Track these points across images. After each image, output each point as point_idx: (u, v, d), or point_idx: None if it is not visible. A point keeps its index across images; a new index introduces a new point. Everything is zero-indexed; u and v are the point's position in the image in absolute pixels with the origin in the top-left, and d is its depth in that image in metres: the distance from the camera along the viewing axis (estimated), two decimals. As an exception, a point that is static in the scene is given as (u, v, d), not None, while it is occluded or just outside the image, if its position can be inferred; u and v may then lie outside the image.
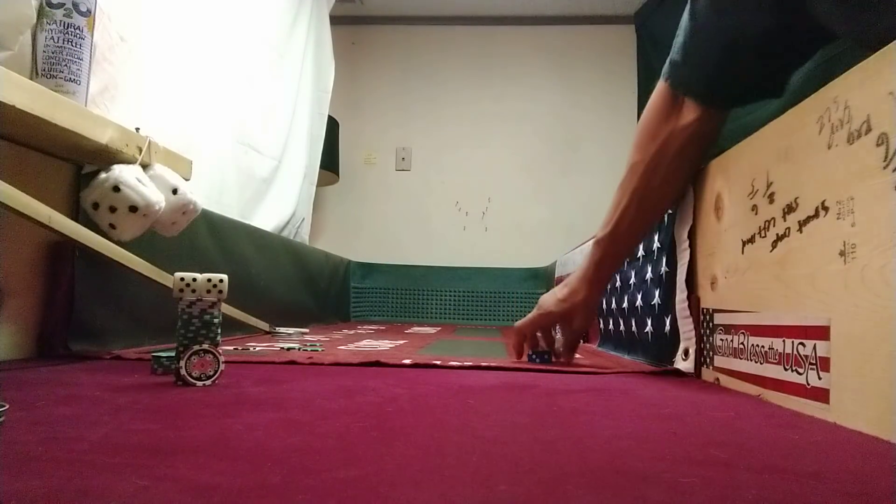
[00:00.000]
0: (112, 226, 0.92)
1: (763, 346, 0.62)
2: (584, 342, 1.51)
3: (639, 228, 0.85)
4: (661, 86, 0.78)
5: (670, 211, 0.90)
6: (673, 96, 0.77)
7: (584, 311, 0.89)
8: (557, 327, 0.97)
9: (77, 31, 0.86)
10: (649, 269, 1.00)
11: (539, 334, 0.96)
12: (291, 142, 2.13)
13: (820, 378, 0.51)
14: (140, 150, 0.96)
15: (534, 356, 0.94)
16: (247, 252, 1.59)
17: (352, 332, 1.77)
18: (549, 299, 0.92)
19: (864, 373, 0.46)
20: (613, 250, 0.86)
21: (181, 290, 0.62)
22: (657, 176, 0.79)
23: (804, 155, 0.55)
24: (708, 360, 0.78)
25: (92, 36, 0.89)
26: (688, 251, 0.84)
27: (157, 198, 0.94)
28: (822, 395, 0.51)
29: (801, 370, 0.54)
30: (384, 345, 1.26)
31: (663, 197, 0.83)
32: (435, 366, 0.88)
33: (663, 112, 0.78)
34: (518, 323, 0.95)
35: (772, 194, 0.61)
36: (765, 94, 0.73)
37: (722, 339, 0.73)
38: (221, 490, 0.29)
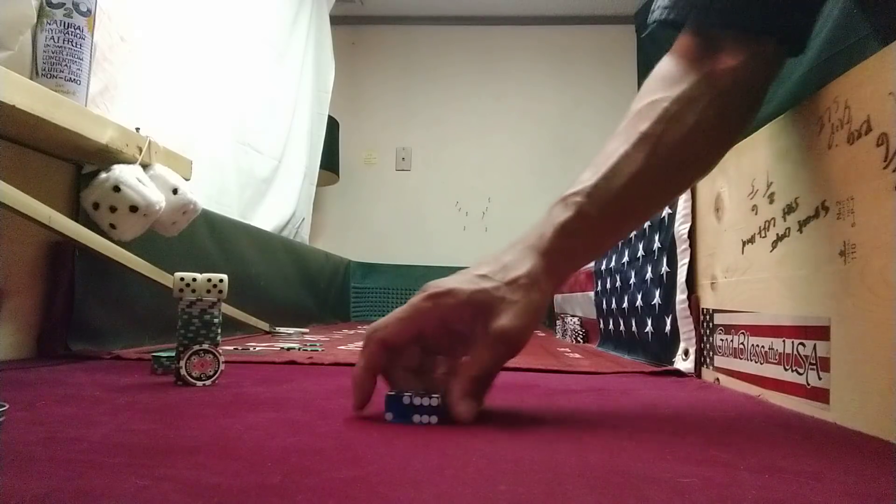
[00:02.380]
0: (112, 226, 0.92)
1: (763, 347, 0.62)
2: (583, 342, 1.51)
3: (641, 190, 0.53)
4: (681, 38, 0.58)
5: (670, 211, 0.90)
6: (700, 44, 0.56)
7: (524, 298, 0.47)
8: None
9: (77, 30, 0.86)
10: (649, 269, 1.00)
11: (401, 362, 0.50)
12: (291, 142, 2.13)
13: (820, 378, 0.51)
14: (140, 150, 0.96)
15: (402, 402, 0.45)
16: (247, 252, 1.59)
17: (352, 332, 1.77)
18: (452, 278, 0.49)
19: (864, 373, 0.46)
20: (595, 212, 0.51)
21: (181, 290, 0.62)
22: (684, 123, 0.53)
23: (804, 155, 0.55)
24: (708, 360, 0.78)
25: (92, 36, 0.89)
26: (688, 251, 0.84)
27: (157, 198, 0.94)
28: (822, 395, 0.51)
29: (801, 370, 0.54)
30: (384, 345, 1.26)
31: (687, 155, 0.54)
32: (435, 366, 0.88)
33: (688, 57, 0.56)
34: (378, 325, 0.48)
35: (772, 194, 0.61)
36: (789, 42, 0.56)
37: (722, 340, 0.73)
38: (221, 490, 0.29)
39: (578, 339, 1.53)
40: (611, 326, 1.25)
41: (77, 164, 0.98)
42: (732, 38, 0.55)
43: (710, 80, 0.54)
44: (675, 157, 0.54)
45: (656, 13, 0.60)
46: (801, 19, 0.56)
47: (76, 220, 0.89)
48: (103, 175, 0.91)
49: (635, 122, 0.54)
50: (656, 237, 0.96)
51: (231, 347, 1.06)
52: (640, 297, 1.04)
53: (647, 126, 0.53)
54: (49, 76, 0.84)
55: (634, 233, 1.09)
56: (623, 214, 0.54)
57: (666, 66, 0.58)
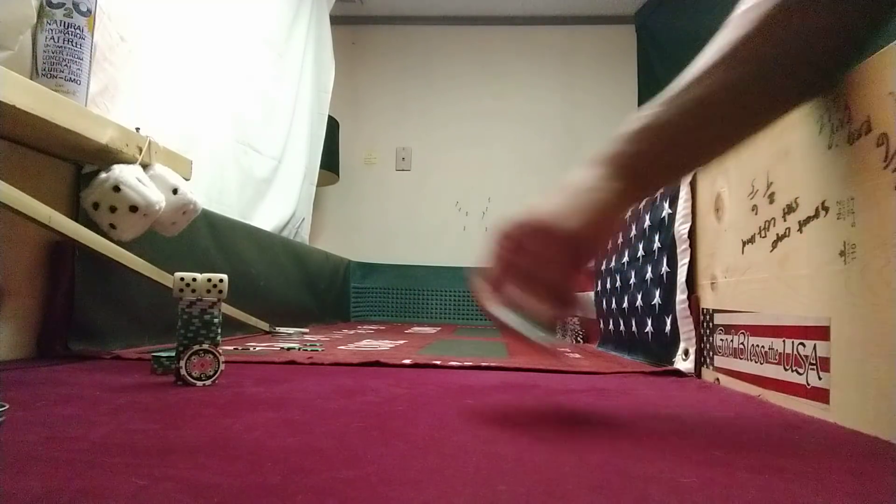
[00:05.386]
0: (112, 226, 0.92)
1: (763, 347, 0.62)
2: (583, 342, 1.51)
3: (727, 103, 0.46)
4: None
5: (670, 211, 0.90)
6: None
7: (614, 215, 0.49)
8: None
9: (77, 30, 0.86)
10: (649, 269, 0.99)
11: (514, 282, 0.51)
12: (291, 142, 2.13)
13: (820, 378, 0.51)
14: (140, 150, 0.96)
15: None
16: (247, 252, 1.59)
17: (352, 332, 1.77)
18: (563, 199, 0.52)
19: (864, 373, 0.46)
20: (677, 121, 0.47)
21: (181, 290, 0.62)
22: (788, 28, 0.45)
23: (804, 155, 0.55)
24: (708, 360, 0.78)
25: (92, 36, 0.89)
26: (688, 251, 0.84)
27: (157, 198, 0.94)
28: (822, 395, 0.51)
29: (801, 370, 0.54)
30: (384, 345, 1.26)
31: (783, 73, 0.46)
32: (435, 366, 0.88)
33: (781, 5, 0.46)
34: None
35: (772, 194, 0.61)
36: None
37: (722, 340, 0.73)
38: (221, 490, 0.29)
39: (578, 339, 1.53)
40: (611, 326, 1.25)
41: (77, 164, 0.98)
42: None
43: (807, 14, 0.45)
44: (768, 68, 0.46)
45: None
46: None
47: (76, 220, 0.89)
48: (103, 175, 0.91)
49: (723, 36, 0.47)
50: (656, 237, 0.96)
51: (231, 347, 1.06)
52: (640, 297, 1.04)
53: (735, 35, 0.46)
54: (49, 76, 0.84)
55: (634, 232, 1.08)
56: (706, 119, 0.47)
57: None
